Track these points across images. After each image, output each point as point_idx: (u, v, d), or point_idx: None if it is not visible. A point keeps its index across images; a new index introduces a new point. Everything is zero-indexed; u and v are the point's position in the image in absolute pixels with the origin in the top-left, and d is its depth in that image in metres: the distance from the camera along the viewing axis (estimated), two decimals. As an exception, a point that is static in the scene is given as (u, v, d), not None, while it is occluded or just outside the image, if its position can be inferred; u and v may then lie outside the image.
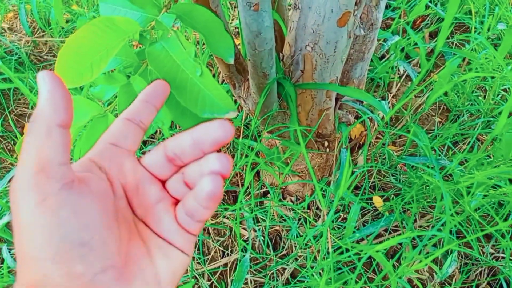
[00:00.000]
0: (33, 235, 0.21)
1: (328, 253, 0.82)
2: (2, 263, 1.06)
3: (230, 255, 1.02)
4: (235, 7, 1.65)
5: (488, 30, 1.27)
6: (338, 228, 1.02)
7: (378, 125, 1.09)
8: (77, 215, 0.22)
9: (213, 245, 1.04)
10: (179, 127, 1.19)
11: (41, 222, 0.21)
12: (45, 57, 1.58)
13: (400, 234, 0.99)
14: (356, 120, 0.96)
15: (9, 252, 0.88)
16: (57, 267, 0.21)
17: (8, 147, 1.33)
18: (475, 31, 1.35)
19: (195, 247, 1.04)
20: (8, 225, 1.07)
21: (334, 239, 0.87)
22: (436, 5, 1.50)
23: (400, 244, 1.04)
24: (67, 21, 1.60)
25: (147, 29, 0.46)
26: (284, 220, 1.05)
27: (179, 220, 0.27)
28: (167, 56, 0.43)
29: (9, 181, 1.08)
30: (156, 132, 1.26)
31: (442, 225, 0.92)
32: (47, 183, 0.22)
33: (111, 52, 0.37)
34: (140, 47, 0.47)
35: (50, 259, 0.21)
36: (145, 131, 0.30)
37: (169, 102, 0.43)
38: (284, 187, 1.11)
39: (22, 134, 1.26)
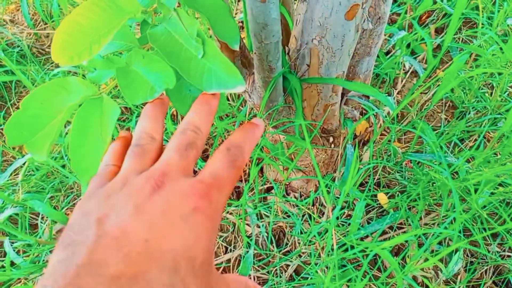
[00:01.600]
0: None
1: (332, 250, 0.81)
2: (4, 256, 1.05)
3: (233, 250, 1.02)
4: (239, 0, 1.64)
5: (496, 26, 1.25)
6: (343, 225, 1.01)
7: (384, 121, 1.08)
8: None
9: (216, 240, 1.04)
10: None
11: None
12: (47, 49, 1.57)
13: (405, 232, 0.98)
14: (361, 116, 0.95)
15: (11, 245, 0.88)
16: None
17: (10, 140, 1.33)
18: (482, 27, 1.33)
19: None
20: (10, 218, 1.07)
21: (338, 236, 0.86)
22: (442, 0, 1.48)
23: (406, 241, 1.03)
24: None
25: (149, 11, 0.44)
26: (288, 216, 1.04)
27: None
28: (169, 36, 0.41)
29: (12, 174, 1.08)
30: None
31: (449, 223, 0.91)
32: None
33: (111, 32, 0.35)
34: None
35: None
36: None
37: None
38: (288, 183, 1.10)
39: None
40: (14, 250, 0.88)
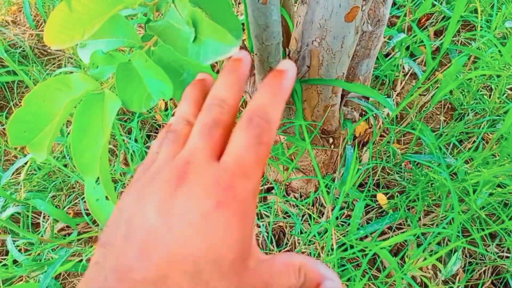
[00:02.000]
0: None
1: (332, 249, 0.81)
2: (7, 254, 1.06)
3: (233, 250, 1.02)
4: (239, 3, 1.65)
5: (495, 28, 1.26)
6: (342, 225, 1.02)
7: (383, 123, 1.09)
8: None
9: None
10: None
11: None
12: (48, 50, 1.58)
13: (404, 232, 0.99)
14: (361, 117, 0.96)
15: (14, 243, 0.88)
16: None
17: (12, 140, 1.33)
18: (481, 30, 1.34)
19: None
20: (12, 217, 1.08)
21: (338, 236, 0.86)
22: (441, 3, 1.49)
23: (404, 242, 1.04)
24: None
25: (149, 5, 0.44)
26: (288, 216, 1.05)
27: None
28: (168, 25, 0.41)
29: (14, 173, 1.08)
30: (160, 126, 1.26)
31: (447, 223, 0.92)
32: None
33: (104, 16, 0.34)
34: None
35: None
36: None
37: (169, 71, 0.41)
38: (288, 183, 1.11)
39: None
40: (16, 248, 0.89)
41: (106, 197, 0.37)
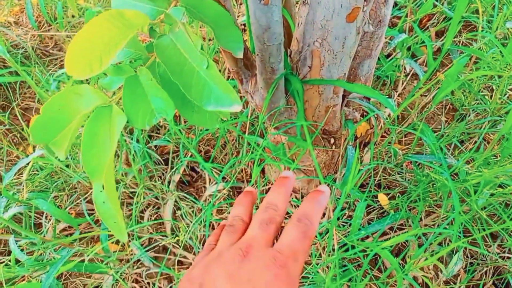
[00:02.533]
0: None
1: (333, 250, 0.82)
2: (9, 254, 1.06)
3: (235, 250, 1.02)
4: (241, 3, 1.65)
5: (496, 29, 1.26)
6: (343, 226, 1.02)
7: (384, 123, 1.09)
8: None
9: None
10: (185, 122, 1.19)
11: None
12: (50, 51, 1.59)
13: (405, 233, 0.99)
14: (362, 118, 0.96)
15: (16, 243, 0.89)
16: None
17: (15, 140, 1.34)
18: (482, 30, 1.34)
19: (200, 242, 1.04)
20: (14, 217, 1.08)
21: (339, 236, 0.87)
22: (443, 4, 1.50)
23: (406, 242, 1.04)
24: (73, 16, 1.60)
25: (156, 22, 0.46)
26: (290, 216, 1.05)
27: None
28: (174, 49, 0.43)
29: (16, 173, 1.09)
30: (161, 127, 1.26)
31: (448, 223, 0.92)
32: None
33: (120, 44, 0.37)
34: (147, 42, 0.47)
35: None
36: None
37: (174, 94, 0.43)
38: (289, 184, 1.11)
39: (28, 127, 1.27)
40: (18, 248, 0.89)
41: (110, 200, 0.41)
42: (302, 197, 1.11)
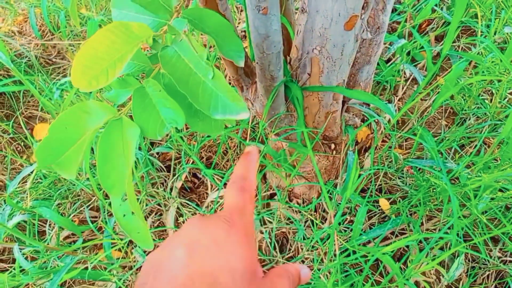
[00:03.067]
0: None
1: (335, 255, 0.82)
2: (14, 262, 1.07)
3: (237, 256, 1.03)
4: (241, 10, 1.67)
5: (495, 33, 1.27)
6: (345, 231, 1.02)
7: (384, 128, 1.10)
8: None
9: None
10: (186, 129, 1.20)
11: None
12: (54, 60, 1.61)
13: (406, 237, 0.99)
14: (362, 123, 0.97)
15: (20, 251, 0.90)
16: None
17: (18, 149, 1.35)
18: (481, 35, 1.35)
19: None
20: (18, 225, 1.09)
21: (341, 241, 0.87)
22: (442, 9, 1.51)
23: (407, 247, 1.04)
24: (75, 25, 1.62)
25: (159, 34, 0.47)
26: (291, 222, 1.05)
27: None
28: (179, 60, 0.44)
29: (20, 182, 1.10)
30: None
31: (449, 228, 0.92)
32: None
33: (126, 57, 0.38)
34: (149, 51, 0.48)
35: None
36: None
37: (181, 103, 0.44)
38: (290, 190, 1.12)
39: (32, 136, 1.28)
40: (23, 256, 0.90)
41: (132, 212, 0.41)
42: (304, 202, 1.12)
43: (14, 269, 0.87)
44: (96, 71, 0.36)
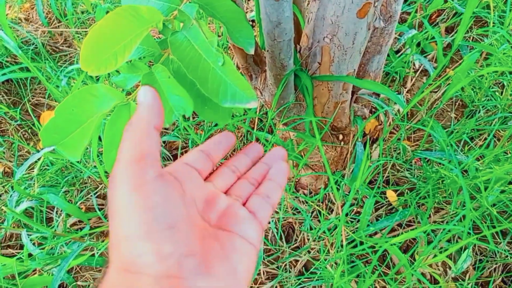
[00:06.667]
0: (129, 216, 0.25)
1: (342, 246, 0.82)
2: (22, 248, 1.08)
3: (243, 246, 1.03)
4: (249, 0, 1.65)
5: (508, 24, 1.25)
6: (352, 222, 1.02)
7: (393, 119, 1.09)
8: (168, 202, 0.27)
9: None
10: (193, 117, 1.20)
11: (137, 204, 0.25)
12: (60, 47, 1.60)
13: (414, 229, 0.99)
14: (371, 114, 0.96)
15: (28, 237, 0.90)
16: (149, 246, 0.24)
17: (25, 136, 1.36)
18: (493, 26, 1.33)
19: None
20: (26, 212, 1.10)
21: (348, 232, 0.87)
22: (453, -1, 1.48)
23: (414, 239, 1.03)
24: (82, 12, 1.61)
25: (169, 19, 0.46)
26: (298, 212, 1.05)
27: (251, 208, 0.32)
28: (189, 46, 0.43)
29: (27, 168, 1.10)
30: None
31: (458, 220, 0.92)
32: (145, 171, 0.27)
33: (135, 41, 0.37)
34: (159, 38, 0.47)
35: (142, 238, 0.24)
36: (214, 164, 0.36)
37: (189, 91, 0.43)
38: (297, 180, 1.11)
39: (39, 122, 1.28)
40: (30, 242, 0.90)
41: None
42: (310, 193, 1.11)
43: (22, 254, 0.88)
44: (105, 55, 0.36)
